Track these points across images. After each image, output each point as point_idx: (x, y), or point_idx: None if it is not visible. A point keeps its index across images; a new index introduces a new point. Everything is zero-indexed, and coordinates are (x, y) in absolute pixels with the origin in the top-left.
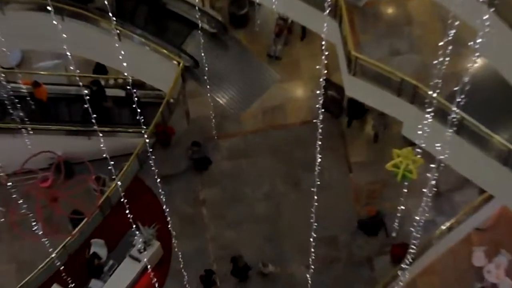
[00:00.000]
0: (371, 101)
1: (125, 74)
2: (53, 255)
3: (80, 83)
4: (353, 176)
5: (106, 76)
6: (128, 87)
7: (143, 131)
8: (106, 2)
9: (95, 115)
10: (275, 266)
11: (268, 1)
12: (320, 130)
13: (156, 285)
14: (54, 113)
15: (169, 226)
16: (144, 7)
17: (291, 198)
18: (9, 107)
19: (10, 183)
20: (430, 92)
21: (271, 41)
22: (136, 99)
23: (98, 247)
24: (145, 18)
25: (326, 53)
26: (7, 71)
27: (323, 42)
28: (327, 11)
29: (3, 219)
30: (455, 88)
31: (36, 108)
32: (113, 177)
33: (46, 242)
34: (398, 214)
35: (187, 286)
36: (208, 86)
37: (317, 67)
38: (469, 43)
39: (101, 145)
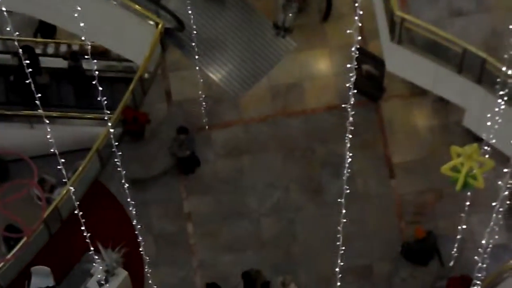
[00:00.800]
0: (421, 80)
1: (82, 38)
2: None
3: (20, 50)
4: (396, 184)
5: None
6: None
7: (106, 118)
8: None
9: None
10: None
11: None
12: (351, 119)
13: None
14: (59, 96)
15: (140, 249)
16: None
17: (310, 212)
18: None
19: None
20: (503, 68)
21: (279, 6)
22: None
23: (41, 278)
24: None
25: (360, 12)
26: None
27: None
28: None
29: None
30: None
31: None
32: (64, 180)
33: None
34: (458, 236)
35: None
36: (196, 57)
37: (348, 31)
38: None
39: (48, 136)
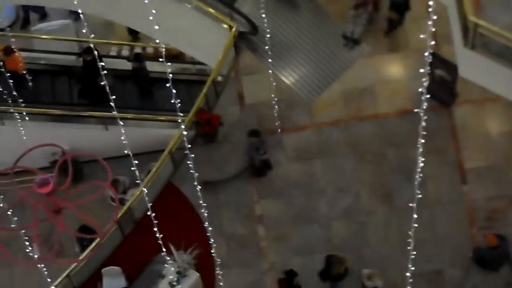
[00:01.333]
0: (494, 85)
1: (157, 41)
2: None
3: (96, 52)
4: (468, 189)
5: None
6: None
7: (179, 120)
8: None
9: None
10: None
11: None
12: (423, 124)
13: None
14: (60, 93)
15: (212, 251)
16: None
17: (381, 217)
18: None
19: None
20: None
21: (348, 17)
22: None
23: (113, 278)
24: None
25: (434, 17)
26: None
27: (430, 2)
28: None
29: None
30: None
31: (34, 86)
32: (137, 181)
33: (44, 270)
34: None
35: None
36: (270, 60)
37: (421, 36)
38: None
39: (122, 138)
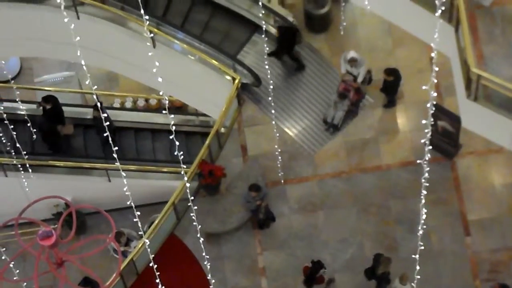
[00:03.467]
0: (498, 137)
1: (160, 92)
2: None
3: (99, 103)
4: (471, 241)
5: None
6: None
7: (182, 172)
8: None
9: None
10: None
11: None
12: (426, 175)
13: None
14: (85, 146)
15: None
16: (187, 2)
17: None
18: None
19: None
20: None
21: (330, 102)
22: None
23: None
24: (188, 16)
25: (436, 68)
26: (0, 85)
27: (433, 54)
28: (440, 12)
29: None
30: None
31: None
32: (140, 233)
33: None
34: None
35: None
36: (273, 112)
37: (424, 87)
38: None
39: (125, 189)
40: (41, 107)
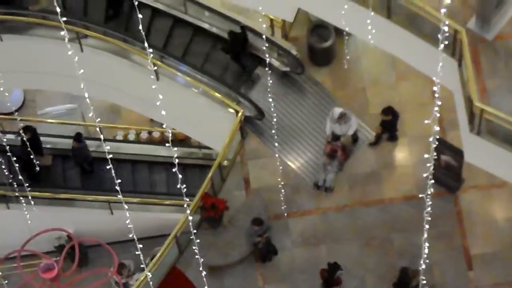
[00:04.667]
0: (501, 171)
1: (164, 125)
2: None
3: (102, 136)
4: (474, 275)
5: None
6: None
7: (184, 205)
8: (140, 28)
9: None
10: None
11: (362, 30)
12: (429, 209)
13: None
14: (63, 177)
15: None
16: (189, 34)
17: None
18: (3, 167)
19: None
20: None
21: (319, 165)
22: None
23: None
24: (189, 48)
25: (439, 102)
26: (3, 117)
27: (435, 88)
28: (442, 46)
29: None
30: None
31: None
32: (142, 266)
33: None
34: None
35: None
36: (276, 145)
37: (427, 121)
38: None
39: (127, 222)
40: (19, 137)
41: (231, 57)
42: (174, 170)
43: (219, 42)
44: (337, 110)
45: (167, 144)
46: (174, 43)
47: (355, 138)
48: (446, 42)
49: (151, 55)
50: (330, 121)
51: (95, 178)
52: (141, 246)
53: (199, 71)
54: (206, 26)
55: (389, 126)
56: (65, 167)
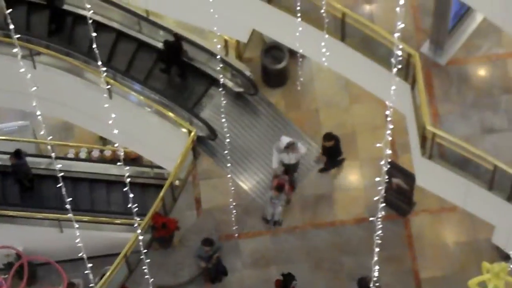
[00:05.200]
0: (451, 195)
1: (116, 144)
2: None
3: (53, 154)
4: None
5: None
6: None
7: (135, 224)
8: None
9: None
10: None
11: (316, 53)
12: (379, 232)
13: None
14: (12, 194)
15: None
16: (144, 54)
17: None
18: None
19: None
20: None
21: (267, 199)
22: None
23: None
24: (145, 68)
25: (392, 126)
26: None
27: (388, 112)
28: (396, 70)
29: None
30: None
31: None
32: (91, 285)
33: None
34: None
35: None
36: (228, 165)
37: (378, 144)
38: None
39: (77, 241)
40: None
41: (166, 66)
42: (125, 189)
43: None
44: (285, 140)
45: (118, 163)
46: (119, 59)
47: (295, 169)
48: (400, 66)
49: (104, 73)
50: (277, 151)
51: (36, 195)
52: (90, 265)
53: (152, 91)
54: (150, 40)
55: (334, 151)
56: (4, 184)
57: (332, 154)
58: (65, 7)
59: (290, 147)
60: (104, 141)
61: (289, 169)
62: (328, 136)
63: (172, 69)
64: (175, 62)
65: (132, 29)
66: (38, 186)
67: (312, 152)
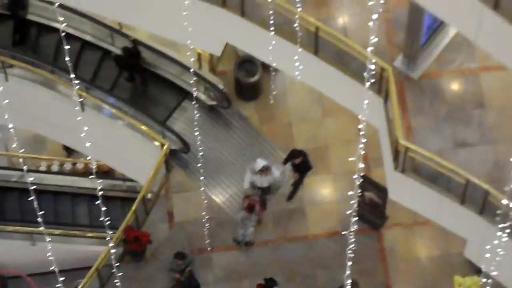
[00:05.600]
0: (424, 209)
1: (88, 157)
2: None
3: (25, 167)
4: None
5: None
6: None
7: (107, 237)
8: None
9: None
10: None
11: (289, 66)
12: (352, 246)
13: None
14: None
15: None
16: (110, 63)
17: None
18: None
19: None
20: (505, 201)
21: (237, 220)
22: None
23: None
24: (118, 81)
25: (364, 140)
26: None
27: (361, 126)
28: (369, 83)
29: None
30: None
31: None
32: None
33: None
34: None
35: None
36: (201, 179)
37: (351, 159)
38: None
39: (49, 254)
40: None
41: (129, 74)
42: (97, 202)
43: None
44: (261, 163)
45: (90, 176)
46: (103, 76)
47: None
48: (373, 80)
49: (77, 86)
50: (250, 172)
51: (7, 207)
52: (62, 278)
53: (125, 103)
54: (113, 49)
55: (303, 166)
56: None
57: (303, 170)
58: (29, 16)
59: (264, 171)
60: (68, 153)
61: (262, 192)
62: (296, 153)
63: (136, 77)
64: (135, 69)
65: (97, 37)
66: (9, 199)
67: (284, 176)
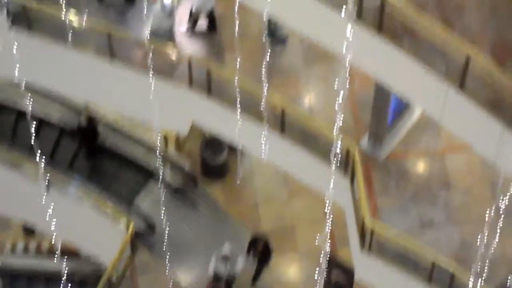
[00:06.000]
0: None
1: (53, 238)
2: None
3: None
4: None
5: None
6: None
7: None
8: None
9: None
10: None
11: (256, 149)
12: None
13: None
14: None
15: None
16: (83, 148)
17: None
18: None
19: None
20: (471, 281)
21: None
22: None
23: None
24: (84, 162)
25: (331, 219)
26: None
27: (327, 206)
28: (335, 164)
29: None
30: (509, 277)
31: None
32: None
33: None
34: None
35: None
36: (167, 260)
37: (318, 238)
38: None
39: None
40: None
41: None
42: (61, 285)
43: (113, 156)
44: (226, 249)
45: (55, 257)
46: (62, 155)
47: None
48: (339, 160)
49: (42, 166)
50: (215, 258)
51: None
52: None
53: (90, 184)
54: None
55: (265, 255)
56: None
57: (264, 259)
58: None
59: (229, 258)
60: (27, 234)
61: (226, 282)
62: (257, 240)
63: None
64: (90, 146)
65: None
66: None
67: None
